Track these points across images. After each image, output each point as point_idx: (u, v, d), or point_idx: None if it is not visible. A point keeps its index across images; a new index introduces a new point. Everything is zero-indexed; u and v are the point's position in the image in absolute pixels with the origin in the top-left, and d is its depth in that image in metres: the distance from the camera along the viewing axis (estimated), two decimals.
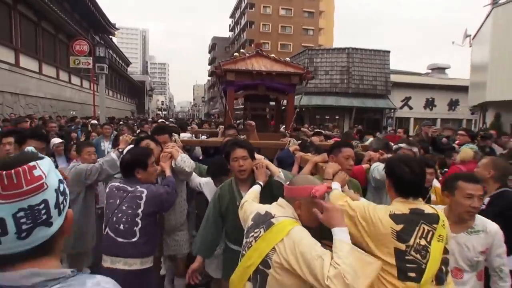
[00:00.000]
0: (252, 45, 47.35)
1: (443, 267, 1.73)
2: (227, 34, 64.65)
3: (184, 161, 2.85)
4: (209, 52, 69.48)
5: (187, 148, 4.36)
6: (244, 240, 1.78)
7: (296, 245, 1.51)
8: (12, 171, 0.76)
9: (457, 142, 5.41)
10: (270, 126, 5.61)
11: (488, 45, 11.90)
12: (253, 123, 4.42)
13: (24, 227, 0.77)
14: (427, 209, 1.82)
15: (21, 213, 0.76)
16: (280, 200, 1.80)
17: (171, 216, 2.98)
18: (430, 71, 25.22)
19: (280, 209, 1.73)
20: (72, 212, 0.90)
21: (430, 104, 21.67)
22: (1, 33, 12.48)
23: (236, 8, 56.62)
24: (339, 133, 10.20)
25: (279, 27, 49.22)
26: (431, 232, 1.73)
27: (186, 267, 2.98)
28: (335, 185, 2.16)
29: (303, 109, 20.38)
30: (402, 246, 1.70)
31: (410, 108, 21.48)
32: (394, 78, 20.92)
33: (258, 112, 5.39)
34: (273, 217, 1.68)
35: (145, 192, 2.42)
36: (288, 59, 5.34)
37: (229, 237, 2.59)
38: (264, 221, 1.70)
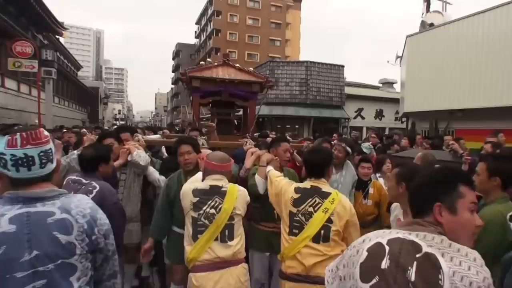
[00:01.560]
0: (219, 54, 47.94)
1: (322, 231, 2.28)
2: (192, 40, 63.87)
3: (139, 155, 3.25)
4: (173, 59, 68.03)
5: (156, 149, 4.80)
6: (194, 214, 2.39)
7: (246, 195, 2.51)
8: (36, 130, 1.38)
9: (370, 142, 6.54)
10: (236, 130, 5.99)
11: (405, 66, 14.45)
12: (213, 125, 4.96)
13: (43, 161, 1.37)
14: (325, 187, 2.42)
15: (42, 153, 1.36)
16: (215, 176, 2.48)
17: (127, 207, 3.28)
18: (381, 85, 27.34)
19: (220, 181, 2.47)
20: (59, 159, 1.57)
21: (379, 114, 23.32)
22: None
23: (203, 14, 56.45)
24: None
25: (246, 37, 49.78)
26: (319, 204, 2.32)
27: (135, 255, 3.44)
28: (269, 167, 2.84)
29: (265, 119, 21.12)
30: (294, 210, 2.36)
31: (363, 118, 22.92)
32: (348, 90, 22.34)
33: (223, 117, 5.76)
34: (221, 186, 2.43)
35: (97, 188, 2.53)
36: (251, 69, 5.67)
37: (176, 221, 2.91)
38: (216, 192, 2.40)
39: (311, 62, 20.83)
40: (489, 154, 3.66)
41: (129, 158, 3.24)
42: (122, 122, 63.39)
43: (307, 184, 2.46)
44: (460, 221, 1.17)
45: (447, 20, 12.90)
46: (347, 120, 21.96)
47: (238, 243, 2.38)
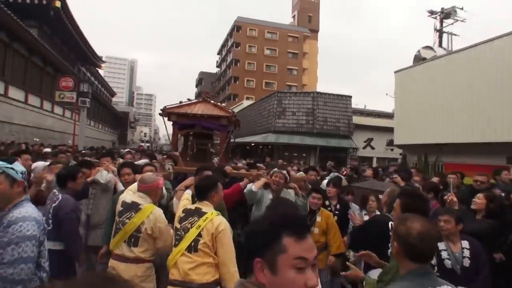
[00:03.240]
0: (237, 82, 49.70)
1: (192, 243, 2.70)
2: (214, 70, 66.50)
3: (101, 175, 4.02)
4: (196, 86, 70.97)
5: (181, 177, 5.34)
6: (117, 219, 3.06)
7: (157, 219, 2.97)
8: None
9: (344, 173, 7.22)
10: (211, 157, 6.70)
11: (395, 99, 14.94)
12: (177, 154, 5.85)
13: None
14: (205, 208, 2.84)
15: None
16: (139, 193, 3.10)
17: (95, 215, 4.09)
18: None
19: (141, 199, 3.07)
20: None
21: (390, 144, 22.88)
22: None
23: (223, 45, 59.04)
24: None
25: (264, 66, 51.20)
26: (196, 222, 2.77)
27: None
28: (189, 191, 3.36)
29: (271, 147, 21.91)
30: (178, 226, 2.85)
31: (372, 148, 23.17)
32: (358, 120, 22.72)
33: (200, 146, 6.56)
34: (140, 204, 3.02)
35: (59, 199, 3.18)
36: (223, 105, 6.54)
37: None
38: (133, 207, 3.01)
39: (317, 92, 21.74)
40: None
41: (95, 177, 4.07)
42: (148, 144, 66.75)
43: (193, 206, 2.92)
44: (281, 283, 0.97)
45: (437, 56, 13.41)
46: (355, 150, 22.23)
47: (142, 252, 2.97)
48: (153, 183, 3.12)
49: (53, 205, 3.16)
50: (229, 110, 6.07)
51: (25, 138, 15.30)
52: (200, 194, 2.93)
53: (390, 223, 3.03)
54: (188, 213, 2.86)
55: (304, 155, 21.98)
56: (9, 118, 14.89)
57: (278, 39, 52.22)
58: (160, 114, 6.19)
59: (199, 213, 2.81)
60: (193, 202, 3.05)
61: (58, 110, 21.18)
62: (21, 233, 1.94)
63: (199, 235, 2.70)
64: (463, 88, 10.82)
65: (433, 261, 2.45)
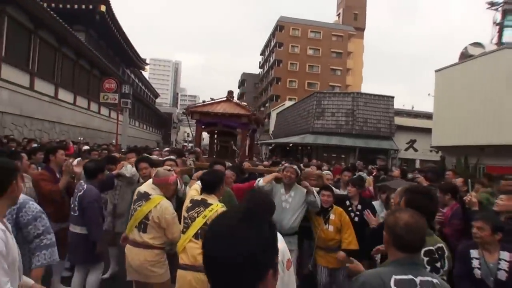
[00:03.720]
0: (279, 83, 49.53)
1: (199, 231, 2.92)
2: (257, 70, 66.61)
3: (126, 169, 4.29)
4: (239, 88, 71.21)
5: None
6: (132, 207, 3.35)
7: (163, 210, 3.14)
8: None
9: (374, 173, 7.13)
10: (234, 154, 6.78)
11: (435, 99, 14.23)
12: (199, 150, 6.04)
13: None
14: (210, 200, 3.05)
15: None
16: (152, 185, 3.33)
17: (120, 205, 4.44)
18: None
19: (153, 190, 3.29)
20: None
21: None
22: (46, 71, 15.01)
23: (266, 46, 58.92)
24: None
25: (307, 66, 50.56)
26: (202, 212, 2.99)
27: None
28: (199, 182, 3.43)
29: (310, 147, 21.50)
30: (186, 214, 3.08)
31: (415, 150, 21.98)
32: (400, 121, 21.80)
33: (223, 144, 6.80)
34: (150, 194, 3.25)
35: (84, 188, 3.67)
36: (245, 104, 6.52)
37: None
38: (144, 197, 3.25)
39: (357, 93, 21.12)
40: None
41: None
42: (191, 144, 68.72)
43: (199, 197, 3.13)
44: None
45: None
46: (396, 152, 21.34)
47: (150, 238, 3.18)
48: (164, 177, 3.35)
49: (79, 194, 3.66)
50: (250, 109, 6.21)
51: (74, 138, 16.24)
52: (206, 187, 3.13)
53: None
54: (194, 203, 3.08)
55: (343, 156, 21.43)
56: (59, 119, 15.92)
57: (322, 38, 51.27)
58: (183, 113, 6.50)
59: (205, 204, 3.03)
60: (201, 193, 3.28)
61: (104, 111, 22.29)
62: (36, 209, 2.41)
63: (205, 224, 2.90)
64: (508, 87, 10.04)
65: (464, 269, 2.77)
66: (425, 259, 2.16)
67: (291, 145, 24.81)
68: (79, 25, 18.92)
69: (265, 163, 7.91)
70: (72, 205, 3.75)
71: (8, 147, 7.39)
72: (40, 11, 12.69)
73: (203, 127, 6.42)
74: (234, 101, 6.45)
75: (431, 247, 2.21)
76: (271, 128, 38.72)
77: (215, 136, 7.12)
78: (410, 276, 1.61)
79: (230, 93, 6.71)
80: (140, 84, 37.64)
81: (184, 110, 6.48)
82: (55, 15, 13.47)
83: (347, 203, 4.50)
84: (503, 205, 3.41)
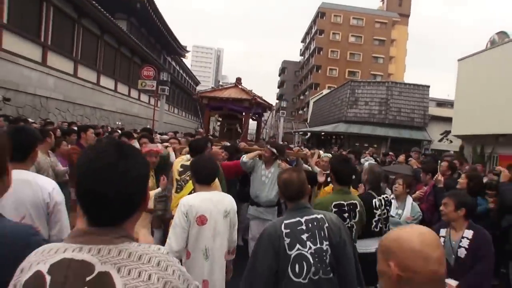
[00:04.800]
0: (319, 71, 48.79)
1: (192, 191, 3.14)
2: (297, 58, 66.03)
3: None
4: (279, 75, 71.16)
5: None
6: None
7: None
8: None
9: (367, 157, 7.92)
10: (238, 136, 7.07)
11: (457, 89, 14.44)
12: (202, 131, 6.81)
13: None
14: None
15: None
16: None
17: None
18: None
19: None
20: None
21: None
22: (88, 59, 16.12)
23: (307, 33, 58.19)
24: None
25: (348, 54, 49.55)
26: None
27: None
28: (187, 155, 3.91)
29: (342, 136, 21.31)
30: (178, 178, 3.57)
31: (450, 141, 21.11)
32: (435, 112, 21.10)
33: (229, 126, 7.30)
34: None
35: None
36: (251, 89, 6.82)
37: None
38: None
39: (392, 82, 20.66)
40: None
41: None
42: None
43: (188, 162, 3.39)
44: None
45: None
46: (429, 143, 20.69)
47: None
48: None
49: None
50: (251, 94, 6.55)
51: (113, 123, 17.11)
52: (193, 151, 3.59)
53: (373, 200, 3.34)
54: (185, 168, 3.44)
55: (375, 145, 21.00)
56: (100, 105, 16.98)
57: (364, 25, 49.77)
58: (193, 98, 6.98)
59: None
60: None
61: (144, 97, 23.33)
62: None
63: None
64: None
65: None
66: (334, 209, 2.71)
67: (323, 134, 24.68)
68: (121, 13, 19.93)
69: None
70: None
71: (45, 129, 8.29)
72: (83, 1, 13.59)
73: (211, 111, 6.90)
74: (240, 87, 6.81)
75: (343, 202, 2.79)
76: (309, 116, 38.45)
77: (223, 119, 7.65)
78: (297, 218, 2.05)
79: (238, 79, 7.12)
80: (181, 71, 38.73)
81: (195, 96, 6.99)
82: (97, 5, 14.38)
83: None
84: (463, 182, 3.96)
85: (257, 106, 6.57)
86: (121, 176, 0.95)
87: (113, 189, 0.93)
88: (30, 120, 9.97)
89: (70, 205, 3.89)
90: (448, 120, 20.85)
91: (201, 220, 2.45)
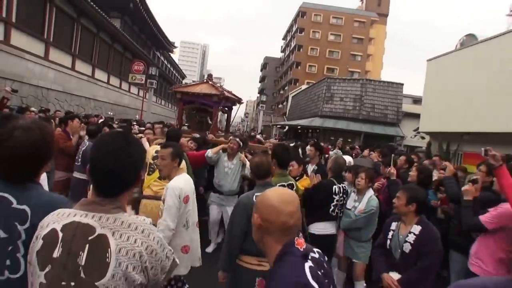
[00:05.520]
0: (299, 68, 50.34)
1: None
2: (279, 55, 67.51)
3: None
4: (261, 71, 72.76)
5: None
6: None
7: None
8: None
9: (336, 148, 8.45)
10: (208, 128, 7.50)
11: (425, 87, 14.80)
12: (174, 123, 7.42)
13: None
14: None
15: None
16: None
17: None
18: None
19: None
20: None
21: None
22: (85, 54, 17.18)
23: (288, 31, 59.61)
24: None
25: (327, 52, 51.04)
26: None
27: None
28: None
29: (318, 130, 22.84)
30: (152, 161, 3.88)
31: (423, 138, 22.57)
32: (409, 108, 22.17)
33: (200, 119, 7.68)
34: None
35: (87, 144, 4.84)
36: (219, 85, 7.39)
37: None
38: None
39: (367, 79, 22.08)
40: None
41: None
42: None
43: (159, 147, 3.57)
44: None
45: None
46: (402, 138, 21.85)
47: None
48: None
49: (82, 149, 4.80)
50: (220, 89, 7.06)
51: (106, 113, 18.12)
52: (170, 139, 4.07)
53: (334, 187, 3.79)
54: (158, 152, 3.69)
55: (349, 140, 22.34)
56: (94, 96, 18.12)
57: (344, 24, 51.28)
58: (170, 92, 7.70)
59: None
60: None
61: (133, 89, 24.52)
62: None
63: None
64: (489, 77, 10.70)
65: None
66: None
67: (299, 128, 25.99)
68: (115, 11, 20.99)
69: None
70: (76, 157, 4.82)
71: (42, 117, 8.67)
72: (82, 2, 14.72)
73: (184, 104, 7.39)
74: (211, 83, 7.30)
75: (284, 183, 3.18)
76: (287, 110, 39.84)
77: (193, 112, 7.92)
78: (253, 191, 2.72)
79: (210, 76, 7.67)
80: (169, 65, 39.87)
81: (171, 90, 7.53)
82: (94, 5, 15.47)
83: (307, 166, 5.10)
84: (413, 175, 4.21)
85: (225, 101, 7.11)
86: (127, 157, 1.21)
87: (120, 167, 1.19)
88: (33, 109, 11.11)
89: (52, 186, 4.60)
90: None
91: (186, 199, 2.86)
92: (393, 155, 5.53)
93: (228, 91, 7.40)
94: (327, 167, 4.17)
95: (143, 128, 7.42)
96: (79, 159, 4.74)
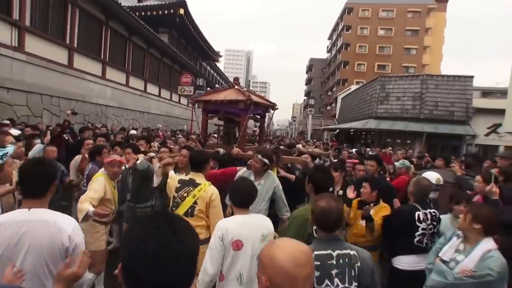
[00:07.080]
0: (347, 67, 48.62)
1: (189, 210, 3.14)
2: (324, 55, 65.98)
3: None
4: (306, 73, 71.63)
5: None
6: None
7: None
8: None
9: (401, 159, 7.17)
10: (236, 140, 6.24)
11: None
12: (194, 137, 6.67)
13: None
14: (198, 180, 3.23)
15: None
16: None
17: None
18: None
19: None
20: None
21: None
22: (137, 70, 17.74)
23: (334, 30, 58.07)
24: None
25: (377, 48, 48.70)
26: (191, 191, 3.16)
27: None
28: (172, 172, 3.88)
29: (372, 133, 21.51)
30: (175, 194, 3.26)
31: (500, 135, 19.09)
32: (479, 103, 20.08)
33: (227, 130, 6.41)
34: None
35: (90, 167, 4.30)
36: (245, 89, 6.14)
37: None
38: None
39: (427, 75, 20.32)
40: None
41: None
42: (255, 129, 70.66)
43: (187, 177, 3.31)
44: None
45: None
46: (473, 137, 19.78)
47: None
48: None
49: (86, 173, 4.28)
50: (246, 94, 5.76)
51: (157, 125, 18.52)
52: (195, 166, 3.37)
53: (417, 213, 3.13)
54: (183, 183, 3.27)
55: (408, 141, 20.90)
56: (147, 109, 18.70)
57: (395, 17, 48.50)
58: (190, 103, 6.84)
59: (193, 184, 3.24)
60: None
61: (183, 101, 24.95)
62: None
63: (195, 202, 3.16)
64: None
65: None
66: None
67: (351, 130, 24.84)
68: (163, 27, 21.58)
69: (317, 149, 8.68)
70: (83, 182, 4.30)
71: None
72: (133, 22, 15.19)
73: (208, 115, 6.19)
74: (237, 87, 6.03)
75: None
76: (337, 112, 38.40)
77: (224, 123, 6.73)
78: (329, 251, 1.90)
79: (236, 79, 6.47)
80: (215, 74, 40.65)
81: (191, 100, 6.74)
82: (143, 23, 15.88)
83: (330, 189, 4.43)
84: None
85: (255, 107, 5.85)
86: (180, 256, 0.89)
87: (171, 275, 0.87)
88: (94, 125, 11.66)
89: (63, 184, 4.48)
90: (497, 112, 17.80)
91: (237, 245, 2.40)
92: (492, 170, 4.21)
93: (259, 96, 6.37)
94: (408, 190, 3.38)
95: (160, 146, 6.73)
96: (84, 183, 4.12)
